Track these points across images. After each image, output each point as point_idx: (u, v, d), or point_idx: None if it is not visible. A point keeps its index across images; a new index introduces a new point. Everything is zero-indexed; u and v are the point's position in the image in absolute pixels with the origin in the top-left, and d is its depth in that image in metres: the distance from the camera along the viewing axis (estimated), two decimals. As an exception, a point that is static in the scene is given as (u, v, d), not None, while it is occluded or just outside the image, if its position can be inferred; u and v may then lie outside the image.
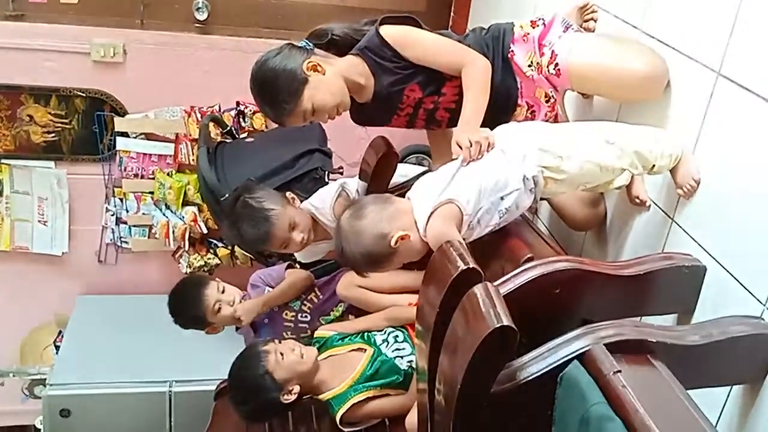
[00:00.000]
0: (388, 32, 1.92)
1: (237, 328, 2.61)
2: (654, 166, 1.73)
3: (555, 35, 1.93)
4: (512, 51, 1.98)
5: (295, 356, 2.15)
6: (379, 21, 1.95)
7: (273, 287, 2.59)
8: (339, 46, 2.01)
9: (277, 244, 2.20)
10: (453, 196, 1.64)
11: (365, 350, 2.22)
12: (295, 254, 2.43)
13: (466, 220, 1.65)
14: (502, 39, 1.99)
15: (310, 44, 1.99)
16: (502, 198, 1.70)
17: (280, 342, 2.22)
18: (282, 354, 2.14)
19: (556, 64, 1.91)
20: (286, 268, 2.62)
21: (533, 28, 1.98)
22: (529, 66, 1.97)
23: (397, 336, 2.25)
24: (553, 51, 1.92)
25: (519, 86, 2.01)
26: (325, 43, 2.01)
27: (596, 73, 1.89)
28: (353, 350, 2.25)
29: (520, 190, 1.71)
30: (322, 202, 2.29)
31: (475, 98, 1.86)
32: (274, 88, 1.91)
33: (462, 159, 1.72)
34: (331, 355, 2.26)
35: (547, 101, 1.99)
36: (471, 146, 1.70)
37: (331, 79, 1.92)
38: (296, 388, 2.14)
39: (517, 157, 1.70)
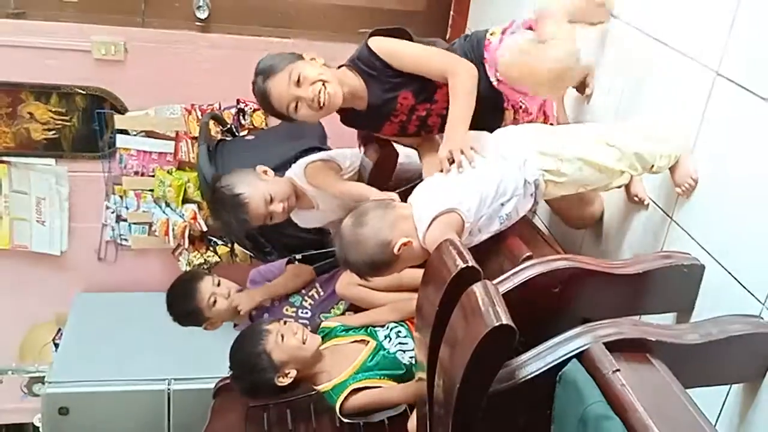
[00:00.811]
0: (377, 44, 1.96)
1: (235, 325, 2.61)
2: (653, 166, 1.74)
3: (499, 42, 1.95)
4: (486, 58, 1.98)
5: (296, 340, 2.14)
6: (369, 34, 1.98)
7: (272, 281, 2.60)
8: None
9: (260, 221, 2.21)
10: (455, 205, 1.66)
11: (367, 342, 2.22)
12: (293, 218, 2.43)
13: (467, 228, 1.67)
14: (477, 47, 2.00)
15: None
16: (502, 204, 1.72)
17: (285, 323, 2.21)
18: (283, 336, 2.13)
19: (497, 70, 1.93)
20: (287, 264, 2.63)
21: (499, 35, 1.98)
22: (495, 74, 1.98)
23: (399, 331, 2.25)
24: (495, 57, 1.93)
25: (504, 95, 2.02)
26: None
27: (517, 70, 1.90)
28: (355, 341, 2.24)
29: (520, 195, 1.72)
30: (299, 166, 2.30)
31: (460, 106, 1.87)
32: (270, 63, 1.93)
33: (445, 171, 1.76)
34: (333, 345, 2.25)
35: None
36: (451, 160, 1.75)
37: (326, 68, 1.94)
38: (293, 373, 2.13)
39: (517, 162, 1.71)
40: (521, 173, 1.70)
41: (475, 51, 1.99)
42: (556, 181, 1.73)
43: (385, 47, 1.96)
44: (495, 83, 1.97)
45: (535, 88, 1.92)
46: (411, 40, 2.00)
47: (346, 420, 2.16)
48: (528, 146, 1.73)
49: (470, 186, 1.70)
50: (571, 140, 1.75)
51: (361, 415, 2.18)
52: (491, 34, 1.99)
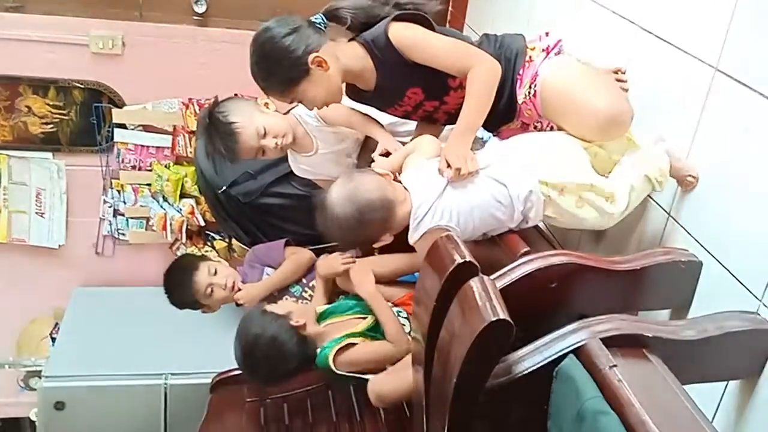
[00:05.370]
0: (395, 34, 1.86)
1: (237, 304, 2.61)
2: (653, 188, 1.77)
3: (545, 57, 1.86)
4: (520, 74, 1.90)
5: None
6: (391, 18, 1.87)
7: (271, 266, 2.60)
8: (349, 25, 1.95)
9: (251, 154, 2.21)
10: (445, 224, 1.69)
11: (366, 318, 2.20)
12: (291, 167, 2.42)
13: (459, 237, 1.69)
14: (515, 60, 1.91)
15: (324, 21, 1.94)
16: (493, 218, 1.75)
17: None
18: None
19: (535, 85, 1.84)
20: (285, 245, 2.63)
21: (540, 52, 1.88)
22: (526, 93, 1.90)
23: (399, 312, 2.23)
24: (536, 72, 1.85)
25: (518, 108, 1.95)
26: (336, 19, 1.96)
27: (562, 99, 1.79)
28: (353, 318, 2.22)
29: (517, 221, 1.76)
30: None
31: (473, 110, 1.80)
32: (274, 67, 1.88)
33: (447, 177, 1.72)
34: (330, 323, 2.23)
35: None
36: (457, 168, 1.70)
37: (332, 79, 1.88)
38: (302, 321, 2.14)
39: (516, 198, 1.71)
40: (522, 206, 1.71)
41: (509, 63, 1.90)
42: (556, 221, 1.79)
43: (405, 39, 1.85)
44: (520, 101, 1.89)
45: (577, 128, 1.77)
46: (432, 28, 1.90)
47: (337, 372, 2.12)
48: (533, 186, 1.70)
49: (463, 207, 1.71)
50: (580, 183, 1.71)
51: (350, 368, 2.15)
52: (531, 49, 1.90)
